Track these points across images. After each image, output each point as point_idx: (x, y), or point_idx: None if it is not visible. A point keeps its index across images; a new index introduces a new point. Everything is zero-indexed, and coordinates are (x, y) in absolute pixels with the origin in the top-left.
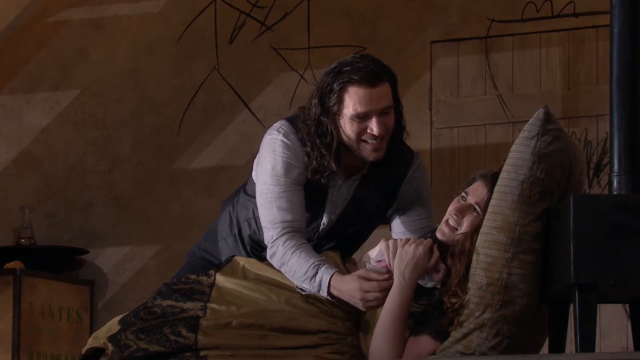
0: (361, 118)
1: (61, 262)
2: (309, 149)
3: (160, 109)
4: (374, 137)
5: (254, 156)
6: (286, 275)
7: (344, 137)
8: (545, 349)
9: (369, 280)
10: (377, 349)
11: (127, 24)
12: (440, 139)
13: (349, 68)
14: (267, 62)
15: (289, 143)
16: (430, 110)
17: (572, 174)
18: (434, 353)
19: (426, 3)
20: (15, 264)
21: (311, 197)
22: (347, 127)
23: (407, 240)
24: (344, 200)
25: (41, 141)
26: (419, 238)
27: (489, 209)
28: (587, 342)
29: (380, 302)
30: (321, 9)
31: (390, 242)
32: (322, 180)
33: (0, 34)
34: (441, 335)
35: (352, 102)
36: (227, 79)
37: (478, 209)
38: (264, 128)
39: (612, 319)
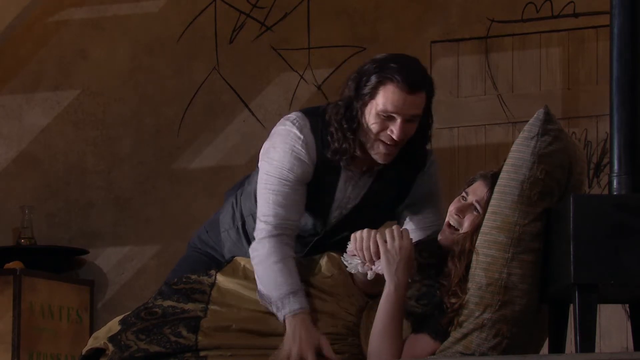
0: (387, 117)
1: (61, 262)
2: (333, 129)
3: (160, 109)
4: (391, 139)
5: (254, 156)
6: (256, 274)
7: (364, 128)
8: (545, 349)
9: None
10: (376, 349)
11: (127, 24)
12: (440, 139)
13: (395, 66)
14: (267, 62)
15: (303, 137)
16: None
17: (572, 174)
18: (433, 353)
19: (426, 3)
20: (15, 264)
21: (321, 191)
22: (371, 120)
23: (374, 233)
24: (357, 196)
25: (41, 141)
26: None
27: (489, 209)
28: (587, 342)
29: None
30: (321, 9)
31: (357, 234)
32: (340, 164)
33: (0, 34)
34: (441, 335)
35: (384, 99)
36: (227, 79)
37: (478, 207)
38: (264, 128)
39: (612, 319)
